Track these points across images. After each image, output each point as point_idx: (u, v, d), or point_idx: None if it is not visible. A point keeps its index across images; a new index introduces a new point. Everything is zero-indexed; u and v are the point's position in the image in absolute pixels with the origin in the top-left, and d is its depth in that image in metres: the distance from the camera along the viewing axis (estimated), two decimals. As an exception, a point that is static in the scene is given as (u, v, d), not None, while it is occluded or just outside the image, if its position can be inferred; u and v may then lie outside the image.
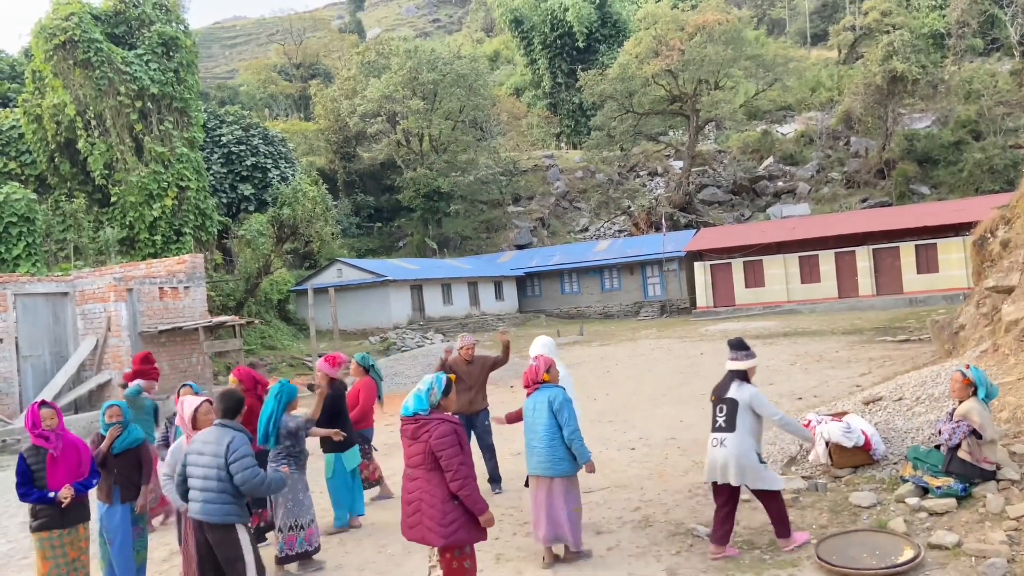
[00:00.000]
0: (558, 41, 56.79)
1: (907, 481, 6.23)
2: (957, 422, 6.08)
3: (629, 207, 44.94)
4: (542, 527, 5.96)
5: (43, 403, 5.55)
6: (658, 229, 38.18)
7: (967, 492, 5.95)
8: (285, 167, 34.53)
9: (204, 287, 20.16)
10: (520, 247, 44.87)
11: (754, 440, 5.78)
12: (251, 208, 32.53)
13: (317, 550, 6.39)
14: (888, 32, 40.70)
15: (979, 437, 6.02)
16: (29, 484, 5.35)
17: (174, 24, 27.49)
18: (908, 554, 5.31)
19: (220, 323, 19.35)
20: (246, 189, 32.76)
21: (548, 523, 5.93)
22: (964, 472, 6.03)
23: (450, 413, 4.78)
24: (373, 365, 8.35)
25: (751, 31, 47.68)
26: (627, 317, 36.34)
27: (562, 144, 57.94)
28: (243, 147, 33.16)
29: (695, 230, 37.74)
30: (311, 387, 7.55)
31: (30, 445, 5.46)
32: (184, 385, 6.65)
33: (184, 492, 4.84)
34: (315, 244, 30.90)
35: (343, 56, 56.85)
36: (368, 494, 8.19)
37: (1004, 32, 45.72)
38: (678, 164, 46.53)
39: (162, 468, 5.71)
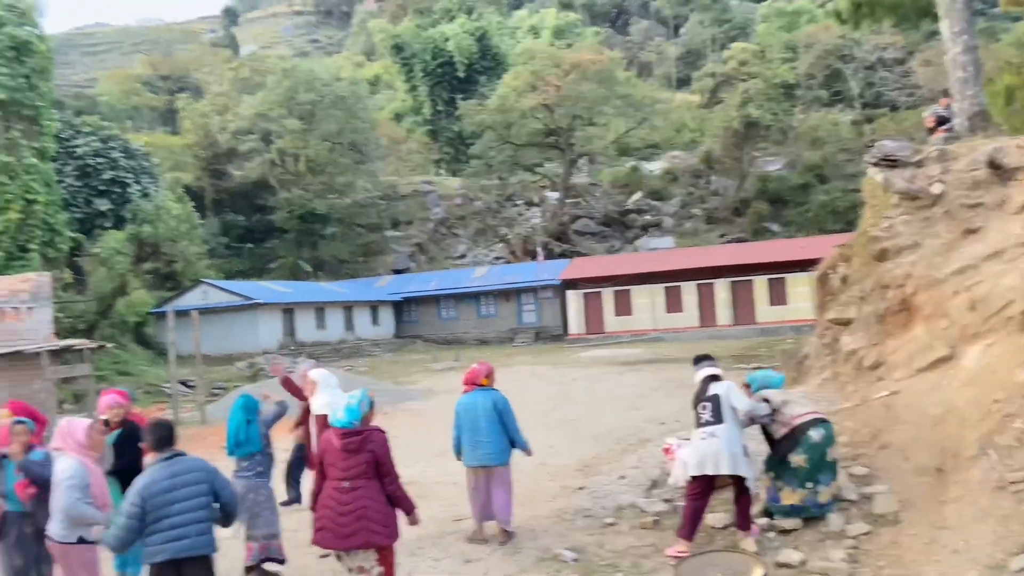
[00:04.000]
0: (439, 70, 57.26)
1: (770, 504, 6.57)
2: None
3: (506, 235, 45.65)
4: (488, 507, 6.93)
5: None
6: (534, 257, 39.00)
7: (821, 512, 6.34)
8: (147, 182, 32.72)
9: (51, 308, 18.70)
10: (398, 272, 44.48)
11: (739, 431, 6.23)
12: (108, 225, 30.56)
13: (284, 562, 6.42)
14: (745, 80, 43.76)
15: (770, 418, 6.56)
16: None
17: (28, 27, 25.69)
18: (758, 573, 5.61)
19: (67, 347, 17.99)
20: (103, 204, 30.76)
21: (488, 504, 6.90)
22: (786, 447, 6.45)
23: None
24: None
25: (622, 72, 49.89)
26: (503, 343, 36.69)
27: (441, 171, 58.20)
28: (101, 160, 31.19)
29: (569, 259, 38.80)
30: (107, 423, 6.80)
31: None
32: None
33: (133, 532, 4.41)
34: (179, 264, 29.41)
35: (215, 71, 54.83)
36: None
37: (846, 85, 50.21)
38: (554, 195, 47.81)
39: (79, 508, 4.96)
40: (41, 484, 5.55)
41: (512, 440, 6.99)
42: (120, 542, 4.50)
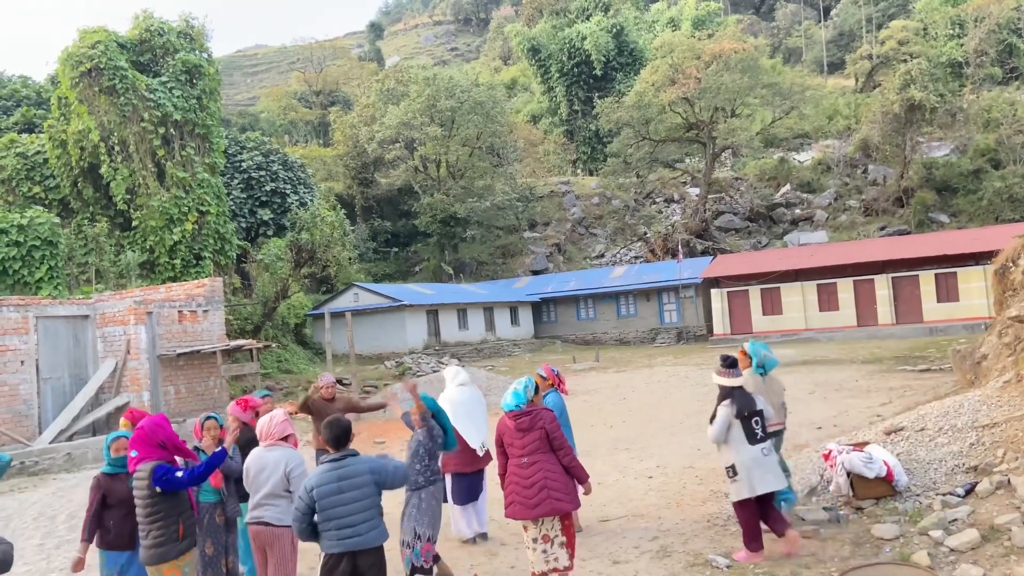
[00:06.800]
0: (575, 69, 57.26)
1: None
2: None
3: (645, 233, 44.92)
4: None
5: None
6: (674, 256, 38.10)
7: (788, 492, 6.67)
8: (304, 192, 34.85)
9: (222, 311, 20.31)
10: (536, 273, 44.88)
11: None
12: (270, 233, 32.80)
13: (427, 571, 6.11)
14: (905, 61, 40.69)
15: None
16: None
17: (198, 52, 27.97)
18: (933, 589, 5.20)
19: (238, 347, 19.45)
20: (265, 214, 33.06)
21: None
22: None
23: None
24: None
25: (767, 60, 47.77)
26: (643, 343, 36.14)
27: (578, 170, 58.17)
28: (263, 172, 33.53)
29: (712, 257, 37.61)
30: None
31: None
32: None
33: (305, 521, 4.75)
34: (332, 269, 31.02)
35: (362, 84, 57.66)
36: None
37: (1022, 61, 45.62)
38: (694, 191, 46.52)
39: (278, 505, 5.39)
40: (232, 476, 6.01)
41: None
42: (299, 531, 4.82)
